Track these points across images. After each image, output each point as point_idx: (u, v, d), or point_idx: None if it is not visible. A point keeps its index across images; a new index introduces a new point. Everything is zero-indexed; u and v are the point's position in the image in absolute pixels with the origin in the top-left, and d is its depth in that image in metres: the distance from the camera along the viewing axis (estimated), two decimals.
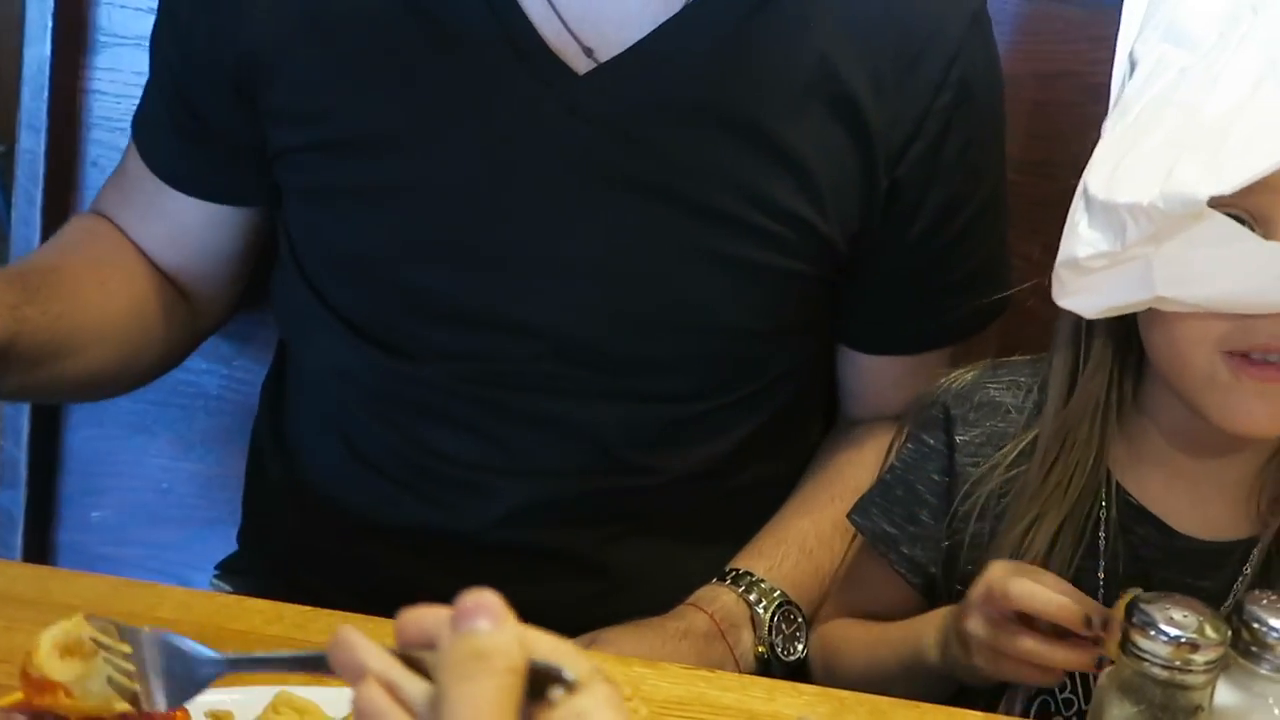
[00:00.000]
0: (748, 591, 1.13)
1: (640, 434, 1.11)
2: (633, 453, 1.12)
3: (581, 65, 1.05)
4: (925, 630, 1.01)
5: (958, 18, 1.08)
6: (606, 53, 1.05)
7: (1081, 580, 1.00)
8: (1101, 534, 1.00)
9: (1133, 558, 1.00)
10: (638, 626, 1.10)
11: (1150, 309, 0.91)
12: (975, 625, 0.94)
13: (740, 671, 1.08)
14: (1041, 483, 0.99)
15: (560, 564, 1.12)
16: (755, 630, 1.11)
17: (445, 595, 1.12)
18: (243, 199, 1.19)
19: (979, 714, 0.92)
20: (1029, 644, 0.91)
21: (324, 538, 1.16)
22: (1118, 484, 1.01)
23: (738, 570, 1.15)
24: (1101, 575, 1.00)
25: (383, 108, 1.06)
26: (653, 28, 1.04)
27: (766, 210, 1.06)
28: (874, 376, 1.21)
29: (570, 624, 1.02)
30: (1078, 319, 0.97)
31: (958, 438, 1.04)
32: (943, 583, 1.05)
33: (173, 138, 1.16)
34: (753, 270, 1.07)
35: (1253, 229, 0.86)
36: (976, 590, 0.94)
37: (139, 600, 0.91)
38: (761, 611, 1.12)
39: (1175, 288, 0.86)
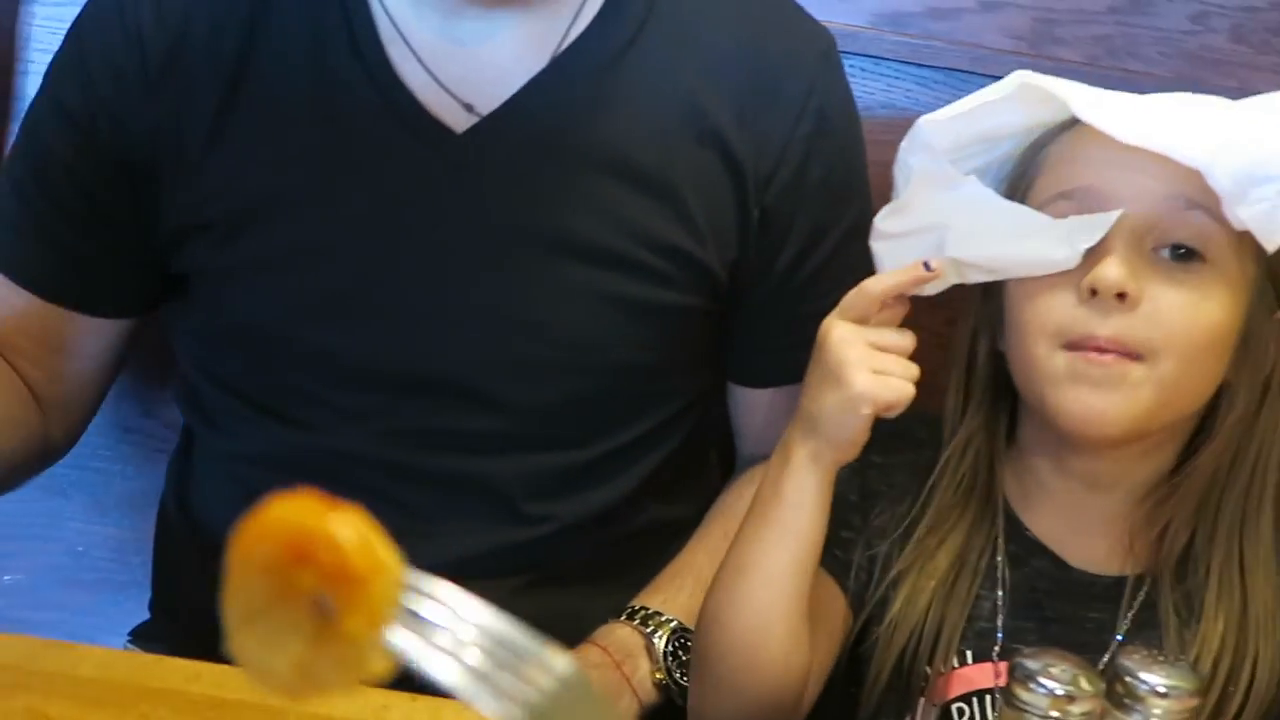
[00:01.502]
0: (643, 624, 1.17)
1: (538, 484, 1.15)
2: (534, 503, 1.15)
3: (461, 122, 1.10)
4: (779, 449, 1.00)
5: (810, 54, 1.16)
6: (485, 107, 1.10)
7: (979, 608, 1.05)
8: (999, 562, 1.06)
9: (1029, 589, 1.05)
10: None
11: (1006, 319, 1.02)
12: (842, 331, 0.96)
13: (639, 698, 1.12)
14: (941, 512, 1.04)
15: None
16: (652, 659, 1.15)
17: None
18: (124, 307, 1.20)
19: None
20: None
21: None
22: (1014, 517, 1.07)
23: (634, 607, 1.19)
24: (999, 604, 1.05)
25: (279, 179, 1.10)
26: (526, 80, 1.10)
27: (650, 247, 1.11)
28: (762, 411, 1.25)
29: None
30: (965, 361, 1.05)
31: (872, 458, 1.06)
32: (868, 605, 1.08)
33: (48, 248, 1.16)
34: (642, 307, 1.12)
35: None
36: (832, 315, 0.97)
37: (60, 660, 0.92)
38: (657, 640, 1.15)
39: (962, 249, 0.98)
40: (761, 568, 0.99)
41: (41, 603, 1.44)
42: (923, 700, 1.06)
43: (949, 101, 1.45)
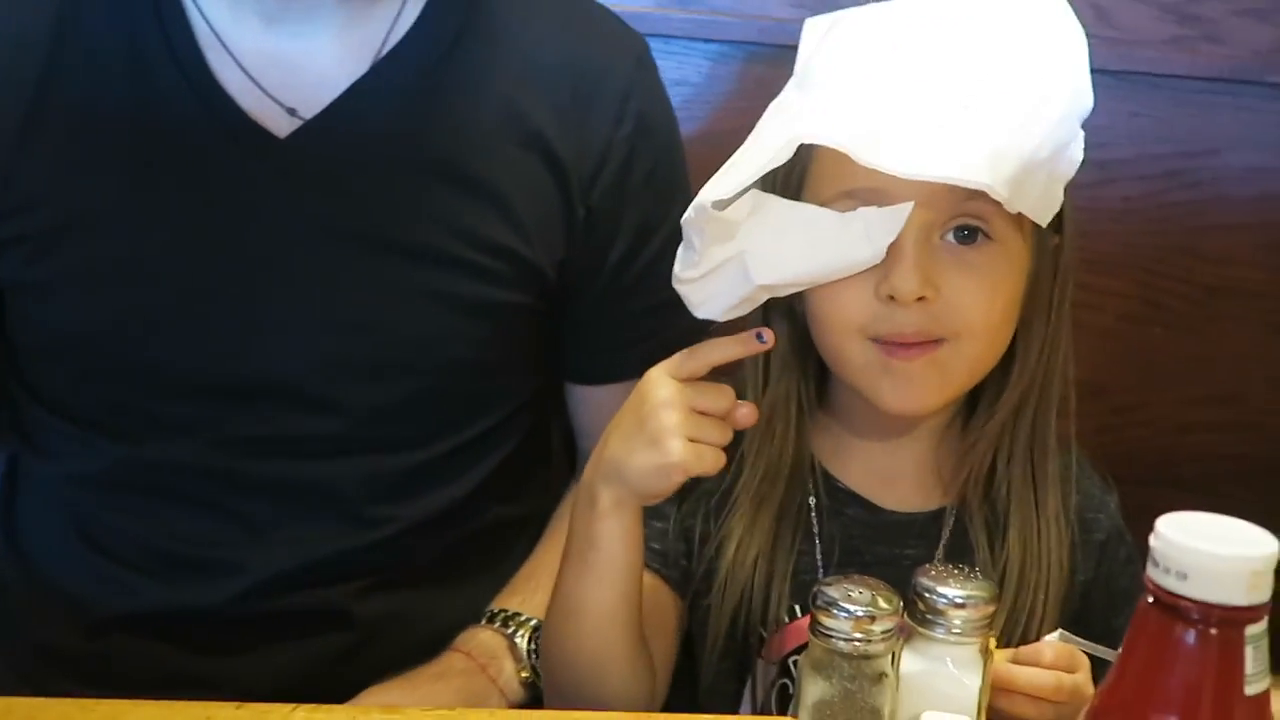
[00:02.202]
0: (504, 626, 1.17)
1: (379, 486, 1.15)
2: (373, 506, 1.15)
3: (284, 127, 1.09)
4: (583, 491, 1.00)
5: (623, 60, 1.18)
6: (308, 111, 1.10)
7: (802, 563, 1.08)
8: (814, 519, 1.09)
9: (846, 537, 1.09)
10: (398, 680, 1.13)
11: (809, 311, 1.04)
12: (666, 393, 0.95)
13: (507, 699, 1.13)
14: (751, 479, 1.07)
15: (308, 624, 1.14)
16: (516, 659, 1.15)
17: (192, 672, 1.12)
18: None
19: (712, 716, 0.97)
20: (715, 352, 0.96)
21: (65, 637, 1.15)
22: (825, 471, 1.10)
23: (492, 610, 1.19)
24: (819, 557, 1.08)
25: (94, 190, 1.08)
26: (349, 84, 1.10)
27: (476, 246, 1.12)
28: (600, 408, 1.24)
29: (322, 679, 1.05)
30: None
31: None
32: (694, 580, 1.10)
33: None
34: (471, 306, 1.13)
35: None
36: (660, 371, 0.97)
37: None
38: (520, 640, 1.16)
39: (768, 274, 0.98)
40: (589, 611, 1.01)
41: None
42: (760, 661, 1.09)
43: (742, 75, 1.49)
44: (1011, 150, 0.94)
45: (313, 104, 1.10)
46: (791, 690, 1.06)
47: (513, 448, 1.22)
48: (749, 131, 1.05)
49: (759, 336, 0.99)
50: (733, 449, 1.08)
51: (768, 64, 1.47)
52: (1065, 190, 0.99)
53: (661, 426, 0.94)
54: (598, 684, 1.01)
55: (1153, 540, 0.63)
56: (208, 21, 1.10)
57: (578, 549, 1.01)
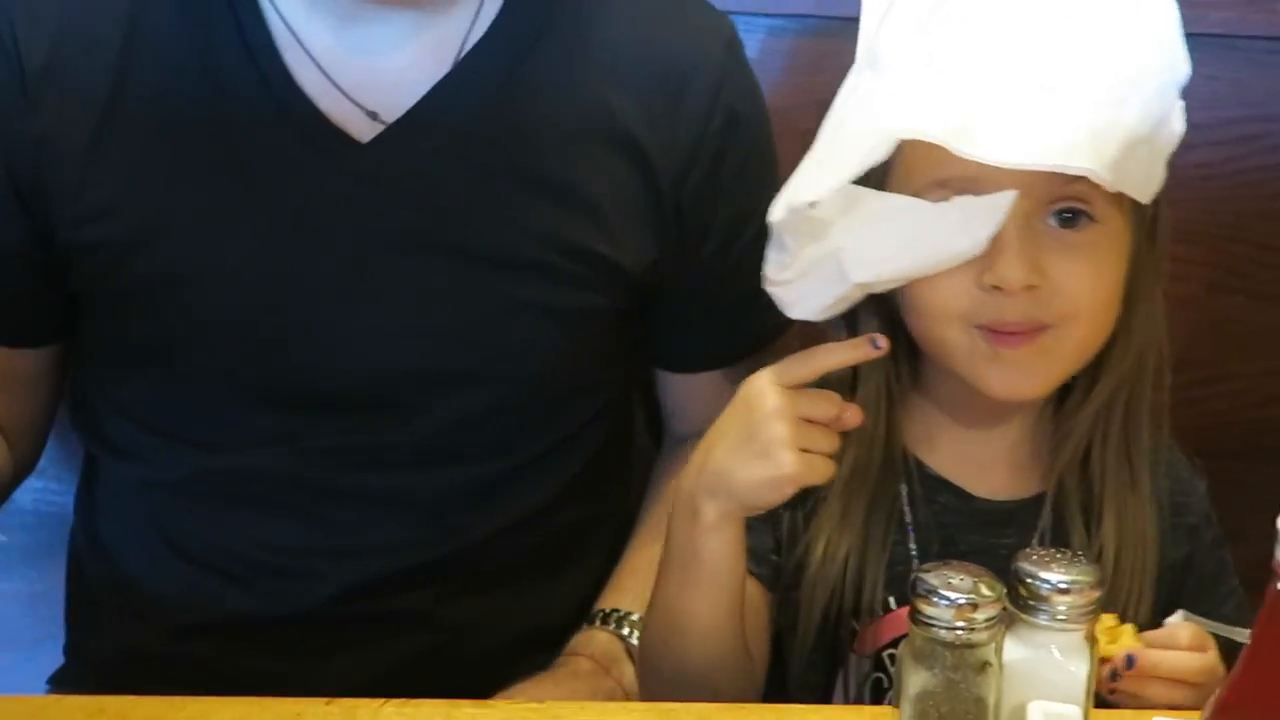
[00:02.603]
0: (618, 627, 1.17)
1: (461, 496, 1.13)
2: (456, 515, 1.13)
3: (366, 132, 1.06)
4: (684, 503, 0.98)
5: (714, 49, 1.14)
6: (390, 114, 1.06)
7: (896, 554, 1.06)
8: (907, 509, 1.06)
9: (938, 525, 1.06)
10: (539, 679, 1.14)
11: (904, 300, 1.00)
12: (776, 402, 0.93)
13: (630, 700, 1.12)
14: (840, 474, 1.04)
15: (391, 627, 1.13)
16: (633, 660, 1.14)
17: (277, 673, 1.12)
18: (41, 335, 1.15)
19: (805, 706, 0.95)
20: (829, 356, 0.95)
21: (150, 639, 1.14)
22: (916, 460, 1.07)
23: (605, 610, 1.19)
24: (913, 547, 1.06)
25: (171, 196, 1.06)
26: (429, 86, 1.07)
27: (562, 251, 1.09)
28: (698, 394, 1.24)
29: (406, 680, 1.04)
30: (841, 321, 1.04)
31: None
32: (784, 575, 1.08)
33: None
34: (558, 312, 1.10)
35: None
36: (766, 376, 0.95)
37: None
38: (635, 643, 1.15)
39: (865, 272, 0.95)
40: (694, 625, 0.99)
41: None
42: (851, 655, 1.07)
43: (801, 49, 1.46)
44: (1110, 130, 0.90)
45: (393, 107, 1.07)
46: (886, 684, 1.05)
47: (597, 446, 1.20)
48: (812, 106, 1.02)
49: (874, 343, 0.96)
50: None
51: (827, 37, 1.43)
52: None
53: (772, 438, 0.92)
54: (704, 688, 1.00)
55: None
56: (283, 18, 1.06)
57: (679, 561, 0.98)
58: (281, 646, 1.11)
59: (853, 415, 0.95)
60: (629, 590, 1.20)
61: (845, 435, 1.04)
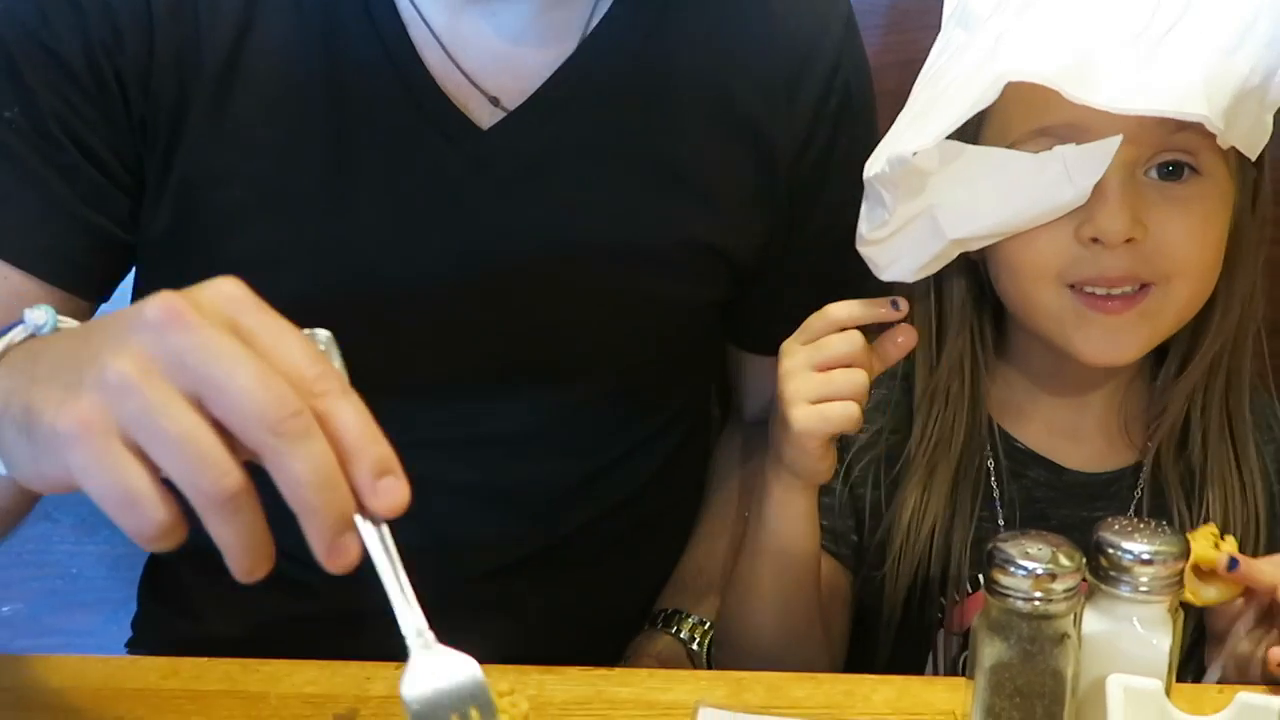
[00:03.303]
0: (679, 631, 1.16)
1: (557, 488, 1.12)
2: (551, 508, 1.12)
3: (487, 117, 1.03)
4: (762, 479, 1.01)
5: (834, 26, 1.10)
6: (510, 100, 1.03)
7: (984, 530, 1.04)
8: (994, 483, 1.04)
9: (1028, 500, 1.04)
10: None
11: (996, 258, 0.97)
12: (788, 363, 0.94)
13: None
14: (925, 443, 1.02)
15: (482, 614, 1.12)
16: (695, 665, 1.14)
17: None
18: (88, 282, 1.05)
19: (875, 676, 0.93)
20: (859, 374, 0.93)
21: (232, 626, 1.13)
22: (1004, 432, 1.05)
23: (666, 610, 1.17)
24: (1001, 522, 1.04)
25: (277, 166, 1.01)
26: (551, 71, 1.03)
27: (675, 244, 1.07)
28: (767, 375, 1.22)
29: (496, 660, 1.03)
30: (927, 284, 1.02)
31: None
32: (867, 553, 1.07)
33: (64, 228, 1.01)
34: (662, 305, 1.08)
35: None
36: (790, 340, 0.96)
37: (29, 675, 0.90)
38: (696, 648, 1.15)
39: (962, 227, 0.93)
40: (760, 595, 1.00)
41: (42, 629, 1.44)
42: (941, 632, 1.05)
43: (884, 8, 1.43)
44: (1225, 77, 0.87)
45: (514, 93, 1.03)
46: None
47: (685, 433, 1.19)
48: (894, 66, 0.99)
49: (894, 304, 0.95)
50: (898, 414, 1.05)
51: None
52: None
53: (784, 400, 0.93)
54: (780, 658, 0.99)
55: None
56: None
57: (753, 535, 1.00)
58: (361, 634, 1.11)
59: (906, 340, 0.94)
60: (690, 589, 1.19)
61: (927, 402, 1.02)
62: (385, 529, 0.63)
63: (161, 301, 0.59)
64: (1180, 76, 0.86)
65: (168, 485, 0.59)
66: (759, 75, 1.07)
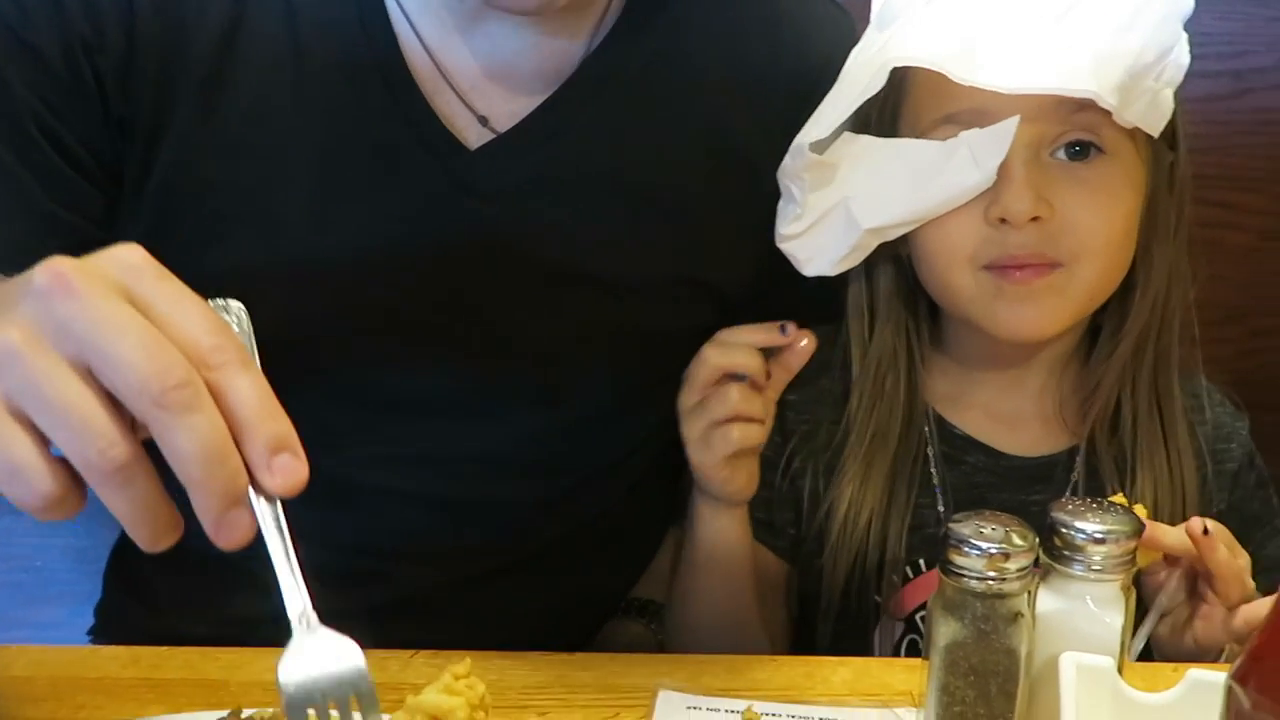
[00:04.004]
0: (650, 620, 1.17)
1: (530, 506, 1.11)
2: (523, 523, 1.12)
3: (474, 137, 1.01)
4: (692, 499, 1.08)
5: (836, 61, 1.05)
6: (500, 123, 1.01)
7: (924, 516, 1.05)
8: (933, 470, 1.05)
9: (967, 485, 1.05)
10: None
11: (914, 247, 1.00)
12: (686, 398, 1.02)
13: None
14: (862, 433, 1.03)
15: (443, 616, 1.11)
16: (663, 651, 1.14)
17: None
18: None
19: (834, 657, 0.94)
20: (732, 392, 0.99)
21: (202, 626, 1.09)
22: (942, 419, 1.06)
23: (639, 600, 1.18)
24: (941, 509, 1.05)
25: (259, 177, 0.99)
26: (545, 96, 1.02)
27: (664, 277, 1.06)
28: None
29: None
30: (860, 278, 1.03)
31: (787, 397, 1.07)
32: (805, 543, 1.08)
33: (33, 227, 0.99)
34: (651, 336, 1.06)
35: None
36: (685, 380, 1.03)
37: None
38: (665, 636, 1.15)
39: (875, 217, 0.95)
40: (702, 604, 1.06)
41: (7, 622, 1.43)
42: (884, 618, 1.06)
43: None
44: (1115, 55, 0.89)
45: (504, 115, 1.01)
46: (921, 645, 1.04)
47: (665, 445, 1.16)
48: None
49: (782, 329, 0.99)
50: (842, 405, 1.07)
51: None
52: (1176, 100, 0.95)
53: (683, 436, 1.02)
54: (726, 645, 1.03)
55: None
56: (400, 5, 1.00)
57: (685, 546, 1.07)
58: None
59: (807, 346, 1.00)
60: (663, 581, 1.18)
61: (864, 395, 1.04)
62: (279, 507, 0.61)
63: (50, 268, 0.57)
64: (1068, 56, 0.89)
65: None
66: (758, 111, 1.06)
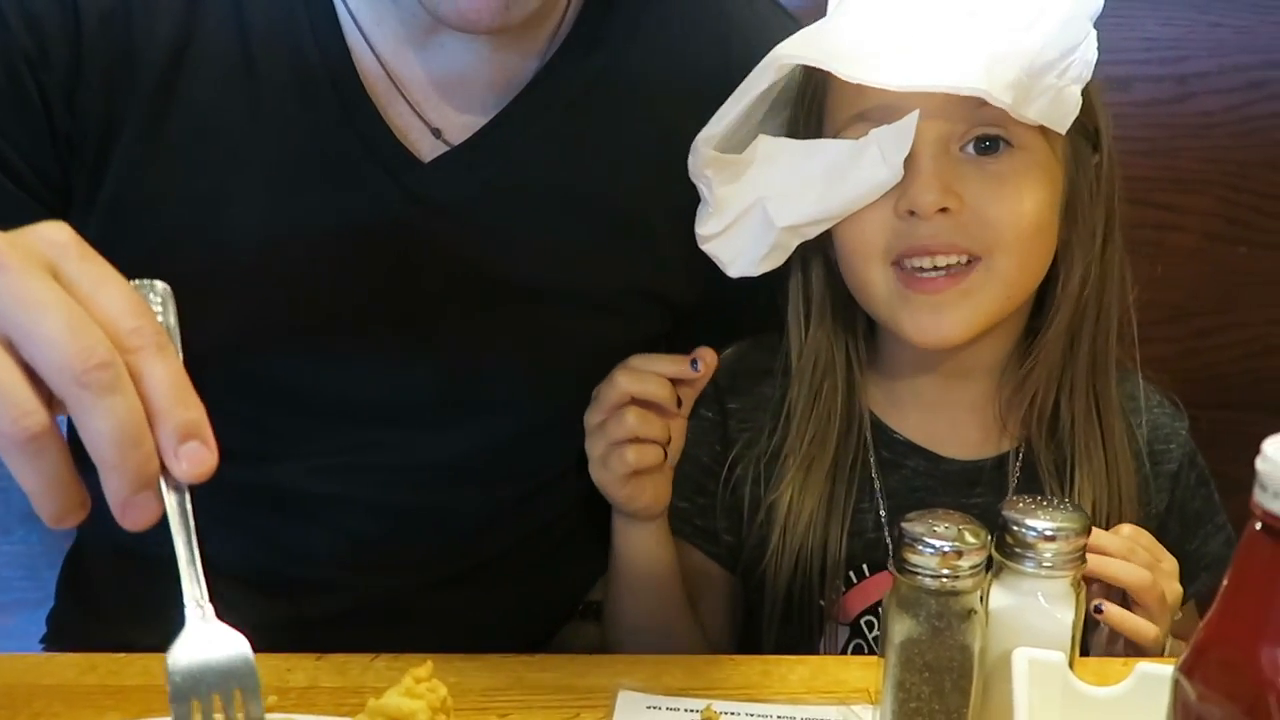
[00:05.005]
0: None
1: (494, 511, 1.12)
2: (481, 529, 1.12)
3: (428, 150, 1.01)
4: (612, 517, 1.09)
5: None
6: (453, 135, 1.01)
7: (862, 522, 1.06)
8: (874, 476, 1.06)
9: (907, 490, 1.06)
10: None
11: (834, 245, 1.01)
12: (591, 417, 1.03)
13: None
14: (801, 440, 1.04)
15: (402, 620, 1.12)
16: None
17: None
18: None
19: (792, 656, 0.95)
20: (628, 415, 1.01)
21: (148, 636, 1.12)
22: (882, 424, 1.07)
23: (596, 602, 1.19)
24: (883, 514, 1.06)
25: (209, 191, 0.98)
26: (498, 109, 1.01)
27: (611, 288, 1.06)
28: None
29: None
30: (800, 280, 1.05)
31: (729, 405, 1.09)
32: (745, 549, 1.09)
33: None
34: (605, 346, 1.06)
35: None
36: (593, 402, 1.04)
37: None
38: None
39: (790, 215, 0.97)
40: (631, 614, 1.09)
41: None
42: (829, 622, 1.07)
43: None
44: (1011, 54, 0.91)
45: (457, 127, 1.01)
46: (866, 650, 1.05)
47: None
48: None
49: (693, 364, 1.01)
50: (779, 411, 1.08)
51: None
52: (1095, 102, 0.98)
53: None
54: (662, 646, 1.05)
55: (1259, 464, 0.60)
56: (354, 17, 0.99)
57: (611, 561, 1.09)
58: (292, 645, 1.10)
59: (708, 363, 1.02)
60: None
61: (801, 400, 1.06)
62: (186, 495, 0.62)
63: None
64: (964, 54, 0.91)
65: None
66: (708, 118, 1.04)
